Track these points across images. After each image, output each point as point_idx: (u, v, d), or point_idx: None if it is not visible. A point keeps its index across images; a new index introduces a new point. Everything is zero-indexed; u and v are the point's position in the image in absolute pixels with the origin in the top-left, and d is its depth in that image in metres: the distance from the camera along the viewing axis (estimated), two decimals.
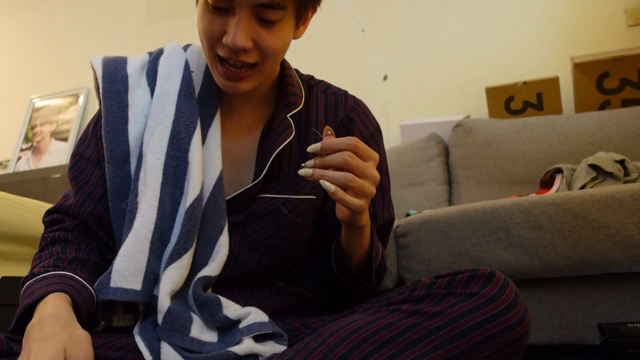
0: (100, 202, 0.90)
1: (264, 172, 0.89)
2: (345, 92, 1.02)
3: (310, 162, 0.78)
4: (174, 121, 0.88)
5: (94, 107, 3.28)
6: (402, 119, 2.50)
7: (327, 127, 0.79)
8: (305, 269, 0.99)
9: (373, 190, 0.78)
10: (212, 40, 0.83)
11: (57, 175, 2.96)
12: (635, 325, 1.00)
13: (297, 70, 1.01)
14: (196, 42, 1.02)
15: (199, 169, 0.86)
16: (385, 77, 2.64)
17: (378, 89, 2.64)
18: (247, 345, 0.78)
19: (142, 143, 0.88)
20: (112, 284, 0.79)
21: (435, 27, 2.56)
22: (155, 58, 0.96)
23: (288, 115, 0.92)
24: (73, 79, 3.35)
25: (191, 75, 0.93)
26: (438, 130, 2.26)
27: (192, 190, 0.85)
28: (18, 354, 0.72)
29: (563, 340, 1.30)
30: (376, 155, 0.79)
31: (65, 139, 3.22)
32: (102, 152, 0.90)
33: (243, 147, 0.94)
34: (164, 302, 0.79)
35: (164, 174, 0.85)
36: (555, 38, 2.35)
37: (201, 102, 0.92)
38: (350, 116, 0.98)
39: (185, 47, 0.99)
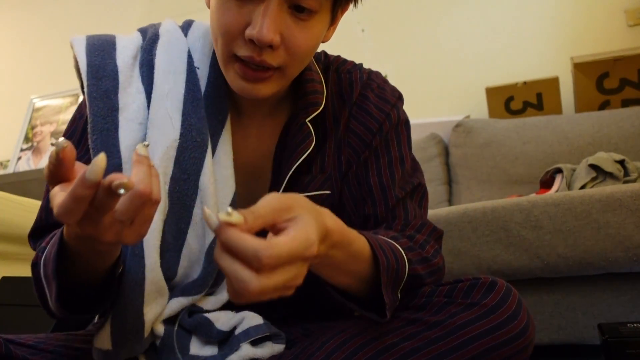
0: None
1: (281, 189, 0.78)
2: (361, 66, 0.88)
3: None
4: (181, 135, 0.74)
5: None
6: None
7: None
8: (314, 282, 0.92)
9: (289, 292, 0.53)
10: (231, 34, 0.69)
11: None
12: (635, 325, 1.00)
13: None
14: None
15: (215, 199, 0.74)
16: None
17: None
18: (245, 351, 0.75)
19: None
20: (114, 346, 0.70)
21: (435, 27, 2.56)
22: (150, 46, 0.80)
23: (307, 120, 0.80)
24: (73, 79, 3.28)
25: (196, 72, 0.79)
26: (438, 130, 2.26)
27: (209, 230, 0.72)
28: (17, 358, 0.69)
29: (563, 340, 1.29)
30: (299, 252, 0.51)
31: None
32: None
33: (256, 160, 0.82)
34: (158, 328, 0.75)
35: (169, 201, 0.73)
36: (555, 38, 2.35)
37: (208, 106, 0.77)
38: (364, 93, 0.84)
39: (185, 28, 0.84)
